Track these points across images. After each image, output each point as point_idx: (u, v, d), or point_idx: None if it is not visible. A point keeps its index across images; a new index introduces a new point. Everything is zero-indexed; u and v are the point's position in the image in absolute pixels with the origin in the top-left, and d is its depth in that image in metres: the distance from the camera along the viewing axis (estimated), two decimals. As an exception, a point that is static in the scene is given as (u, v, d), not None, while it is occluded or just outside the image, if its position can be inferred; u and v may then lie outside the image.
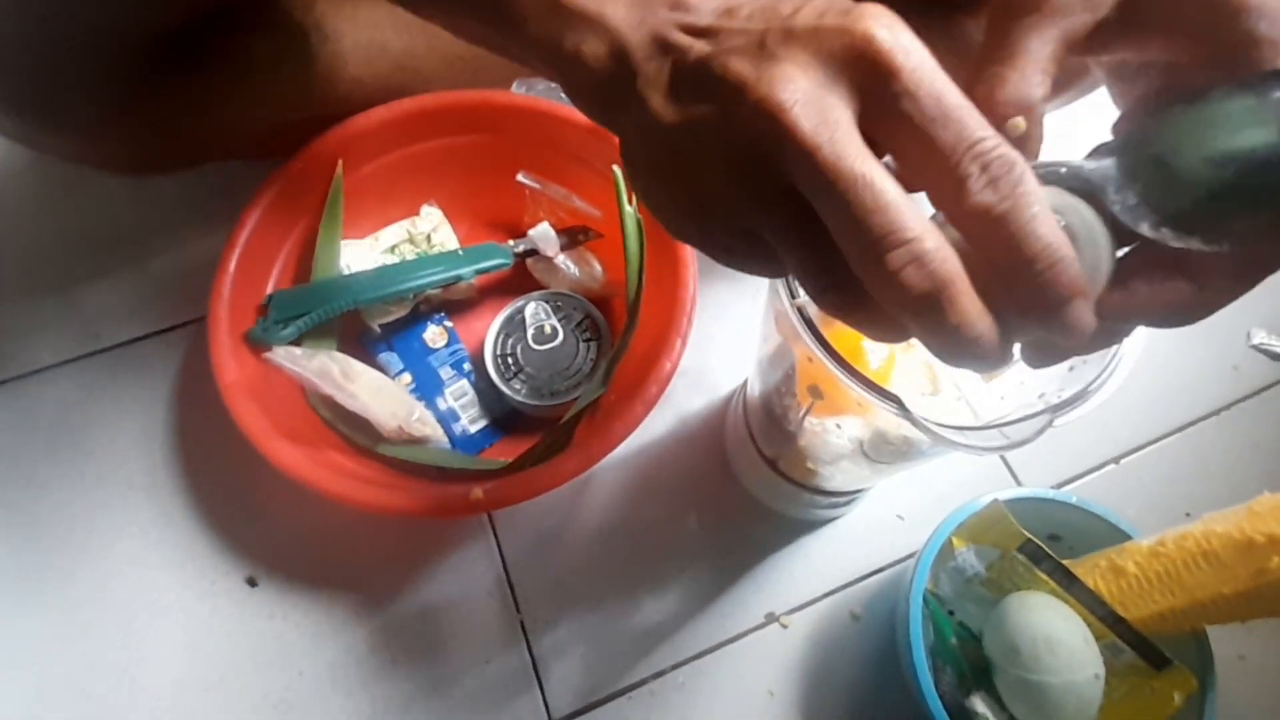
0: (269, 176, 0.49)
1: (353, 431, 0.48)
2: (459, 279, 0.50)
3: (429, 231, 0.54)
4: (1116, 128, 0.23)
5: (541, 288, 0.53)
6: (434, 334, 0.53)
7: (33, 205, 0.58)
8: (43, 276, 0.56)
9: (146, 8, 0.42)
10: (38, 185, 0.58)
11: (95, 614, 0.47)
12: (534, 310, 0.51)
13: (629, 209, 0.49)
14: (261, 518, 0.49)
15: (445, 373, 0.52)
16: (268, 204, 0.48)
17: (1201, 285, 0.20)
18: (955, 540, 0.43)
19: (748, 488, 0.50)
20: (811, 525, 0.50)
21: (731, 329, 0.55)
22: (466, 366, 0.52)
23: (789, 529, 0.50)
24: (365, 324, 0.51)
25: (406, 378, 0.51)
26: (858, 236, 0.19)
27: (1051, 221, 0.19)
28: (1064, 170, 0.20)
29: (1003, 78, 0.21)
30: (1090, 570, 0.41)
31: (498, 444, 0.51)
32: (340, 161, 0.50)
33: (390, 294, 0.49)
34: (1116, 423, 0.55)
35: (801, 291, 0.27)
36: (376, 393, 0.48)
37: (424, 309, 0.53)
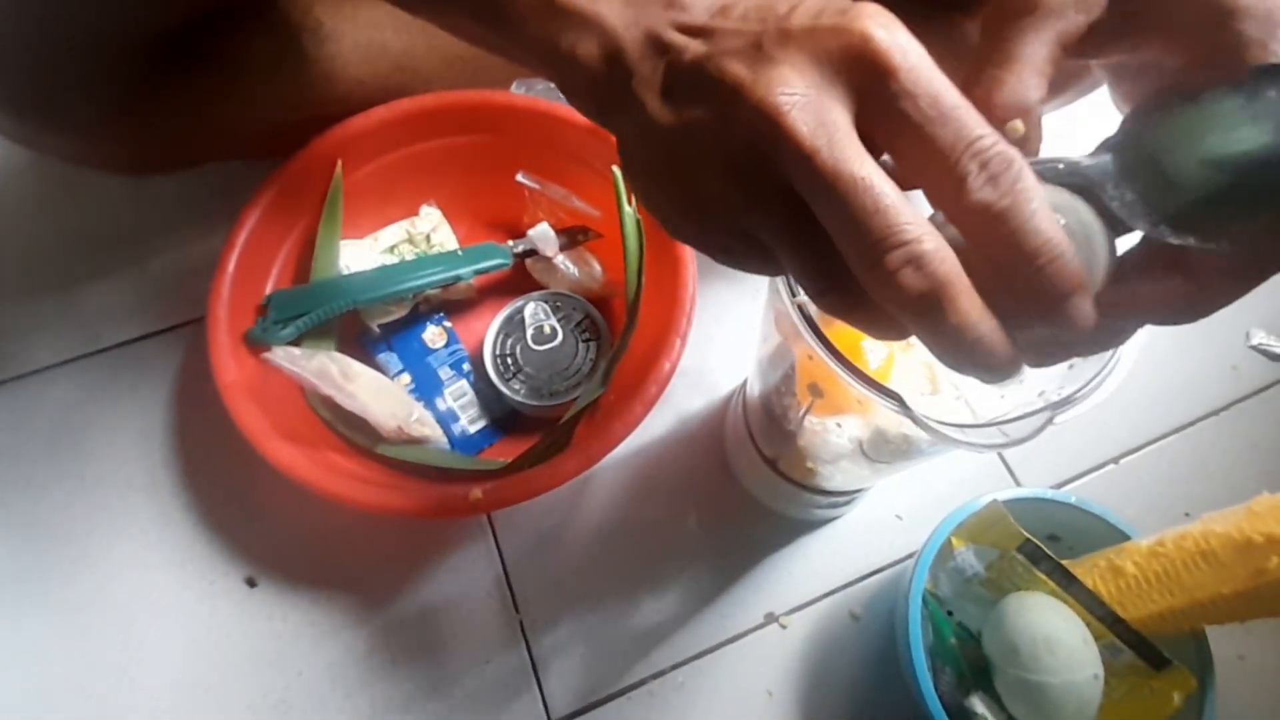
0: (269, 176, 0.49)
1: (352, 432, 0.48)
2: (458, 279, 0.50)
3: (428, 232, 0.54)
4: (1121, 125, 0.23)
5: (541, 288, 0.53)
6: (433, 334, 0.53)
7: (33, 205, 0.58)
8: (43, 276, 0.56)
9: (146, 8, 0.42)
10: (38, 185, 0.58)
11: (94, 614, 0.47)
12: (533, 310, 0.51)
13: (628, 209, 0.49)
14: (261, 518, 0.49)
15: (444, 373, 0.52)
16: (267, 204, 0.48)
17: (1201, 284, 0.20)
18: (954, 540, 0.43)
19: (747, 488, 0.51)
20: (811, 525, 0.50)
21: (731, 329, 0.56)
22: (466, 367, 0.52)
23: (789, 529, 0.50)
24: (364, 324, 0.51)
25: (406, 378, 0.51)
26: (856, 239, 0.19)
27: (1051, 217, 0.19)
28: (1061, 166, 0.20)
29: (999, 81, 0.21)
30: (1089, 570, 0.41)
31: (497, 444, 0.51)
32: (340, 161, 0.50)
33: (389, 294, 0.49)
34: (1115, 423, 0.55)
35: (801, 290, 0.27)
36: (376, 393, 0.48)
37: (423, 309, 0.53)
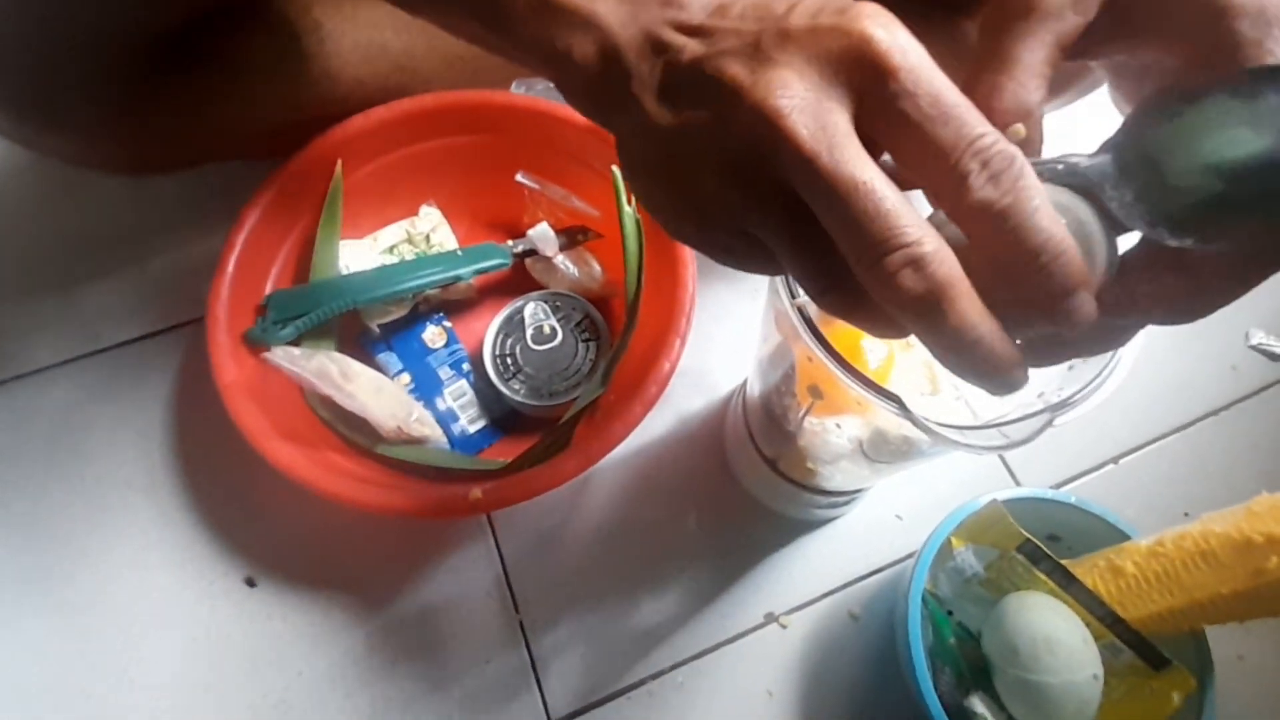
0: (268, 176, 0.49)
1: (351, 432, 0.48)
2: (458, 279, 0.50)
3: (428, 231, 0.54)
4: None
5: (541, 288, 0.53)
6: (433, 334, 0.53)
7: (33, 205, 0.58)
8: (42, 276, 0.56)
9: (146, 8, 0.42)
10: (38, 185, 0.58)
11: (94, 614, 0.47)
12: (533, 310, 0.51)
13: (628, 209, 0.49)
14: (260, 518, 0.49)
15: (444, 373, 0.52)
16: (267, 204, 0.48)
17: (1200, 284, 0.20)
18: (954, 540, 0.43)
19: (747, 488, 0.51)
20: (811, 525, 0.50)
21: (731, 329, 0.56)
22: (465, 367, 0.52)
23: (788, 529, 0.50)
24: (364, 324, 0.51)
25: (405, 378, 0.51)
26: (857, 241, 0.19)
27: (1053, 214, 0.19)
28: (1060, 167, 0.20)
29: (1000, 86, 0.21)
30: (1089, 570, 0.41)
31: (497, 444, 0.51)
32: (339, 161, 0.50)
33: (389, 294, 0.49)
34: (1115, 423, 0.55)
35: (801, 291, 0.27)
36: (375, 393, 0.48)
37: (423, 309, 0.53)
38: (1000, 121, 0.21)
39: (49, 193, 0.58)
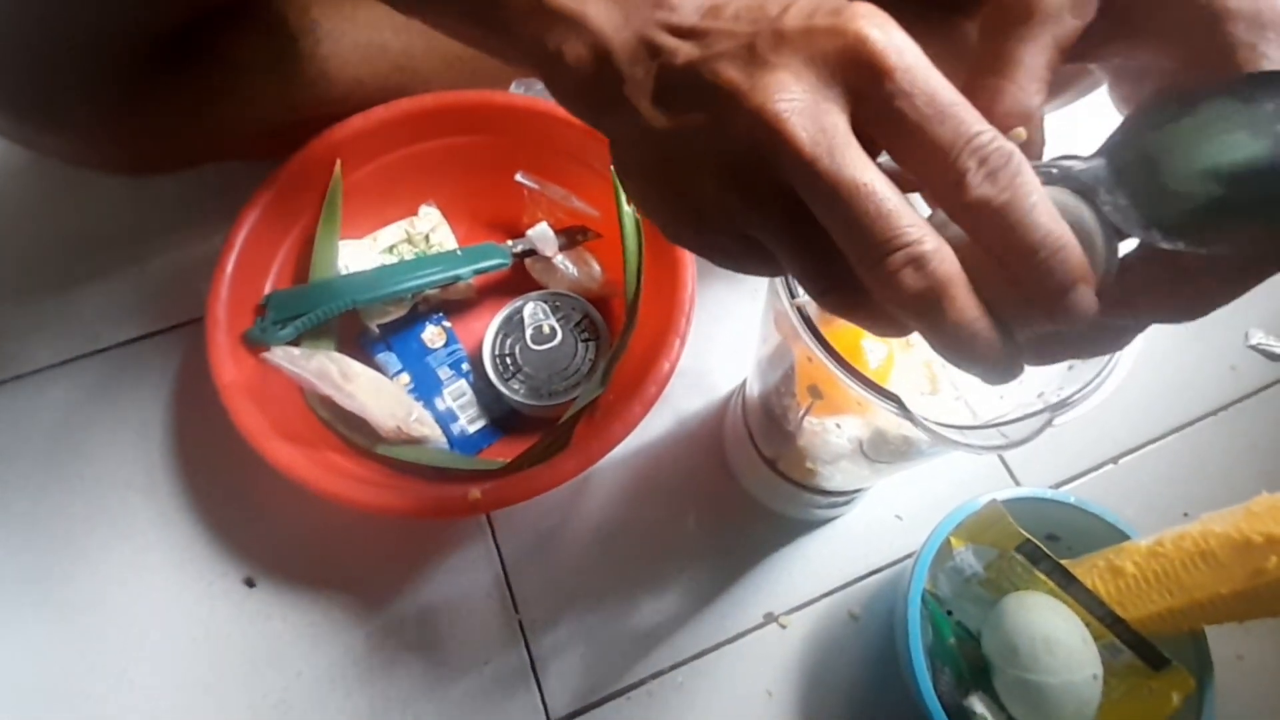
0: (268, 176, 0.49)
1: (351, 432, 0.48)
2: (457, 279, 0.50)
3: (427, 231, 0.54)
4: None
5: (540, 288, 0.53)
6: (432, 334, 0.53)
7: (33, 205, 0.58)
8: (42, 276, 0.56)
9: (146, 8, 0.42)
10: (38, 185, 0.58)
11: (94, 615, 0.47)
12: (532, 310, 0.51)
13: (627, 209, 0.49)
14: (260, 518, 0.49)
15: (444, 373, 0.52)
16: (266, 204, 0.48)
17: (1197, 285, 0.20)
18: (954, 540, 0.43)
19: (747, 488, 0.51)
20: (810, 525, 0.50)
21: (730, 329, 0.56)
22: (465, 367, 0.52)
23: (788, 529, 0.50)
24: (363, 324, 0.51)
25: (405, 378, 0.51)
26: (859, 242, 0.19)
27: (1052, 210, 0.19)
28: (1055, 171, 0.20)
29: (1000, 89, 0.21)
30: (1088, 570, 0.41)
31: (496, 444, 0.51)
32: (339, 161, 0.50)
33: (389, 294, 0.49)
34: (1115, 423, 0.55)
35: (801, 291, 0.27)
36: (375, 393, 0.48)
37: (422, 309, 0.53)
38: (1001, 124, 0.21)
39: (49, 193, 0.58)
